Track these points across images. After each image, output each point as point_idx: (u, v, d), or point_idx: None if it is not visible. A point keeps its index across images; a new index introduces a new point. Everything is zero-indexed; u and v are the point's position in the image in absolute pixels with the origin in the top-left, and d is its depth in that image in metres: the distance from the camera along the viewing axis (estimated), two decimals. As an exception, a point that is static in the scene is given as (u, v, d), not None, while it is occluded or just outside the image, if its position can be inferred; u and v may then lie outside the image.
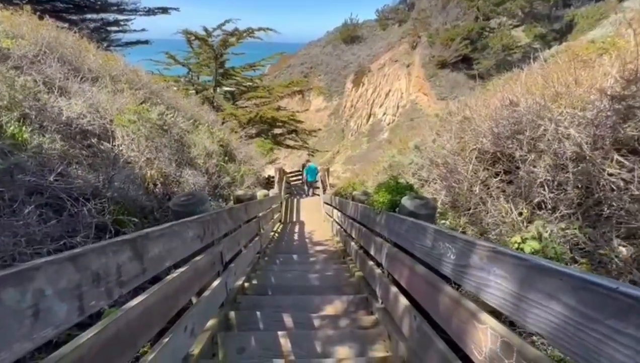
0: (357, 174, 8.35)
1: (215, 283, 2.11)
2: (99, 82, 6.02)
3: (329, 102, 42.35)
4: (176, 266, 1.53)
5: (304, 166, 13.94)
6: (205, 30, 12.00)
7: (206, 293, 1.93)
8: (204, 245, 1.82)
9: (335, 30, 47.24)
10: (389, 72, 39.37)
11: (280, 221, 8.35)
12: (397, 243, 2.01)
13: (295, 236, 6.43)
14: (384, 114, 38.19)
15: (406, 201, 2.10)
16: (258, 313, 2.37)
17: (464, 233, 2.37)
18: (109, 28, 18.81)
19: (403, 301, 1.85)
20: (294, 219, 9.08)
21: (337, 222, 5.59)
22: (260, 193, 6.08)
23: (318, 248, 5.25)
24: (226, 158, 7.91)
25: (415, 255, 1.66)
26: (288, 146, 14.90)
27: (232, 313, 2.34)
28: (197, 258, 1.75)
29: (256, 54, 16.82)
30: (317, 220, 8.66)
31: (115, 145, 4.66)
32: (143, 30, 20.28)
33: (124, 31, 19.88)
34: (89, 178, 3.32)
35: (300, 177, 14.55)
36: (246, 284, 3.03)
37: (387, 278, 2.31)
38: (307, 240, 5.98)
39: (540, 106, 2.38)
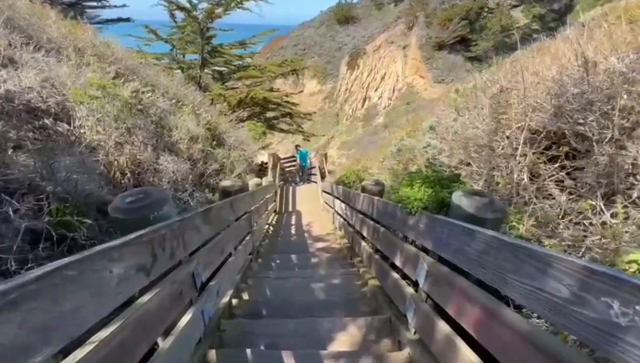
0: (358, 160, 7.67)
1: (186, 318, 1.44)
2: (61, 54, 5.14)
3: (323, 85, 41.29)
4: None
5: (297, 149, 12.97)
6: (189, 1, 10.88)
7: (167, 341, 1.26)
8: (157, 275, 1.14)
9: (329, 10, 45.64)
10: (384, 54, 38.31)
11: (275, 211, 7.68)
12: (453, 262, 1.35)
13: (292, 230, 5.77)
14: (380, 98, 37.40)
15: (461, 199, 1.43)
16: (248, 351, 1.72)
17: (539, 243, 1.73)
18: (86, 3, 17.43)
19: (467, 354, 1.21)
20: (290, 209, 8.40)
21: (339, 214, 4.94)
22: (252, 182, 5.38)
23: (319, 245, 4.60)
24: (214, 143, 7.15)
25: (506, 293, 1.00)
26: (282, 130, 14.00)
27: (211, 354, 1.69)
28: (144, 299, 1.06)
29: (246, 35, 15.65)
30: (315, 210, 8.01)
31: (75, 127, 3.88)
32: (124, 6, 18.87)
33: (103, 7, 18.48)
34: (29, 167, 2.59)
35: (295, 163, 13.80)
36: (234, 300, 2.38)
37: (426, 304, 1.66)
38: (306, 235, 5.32)
39: None
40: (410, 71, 36.48)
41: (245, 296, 2.56)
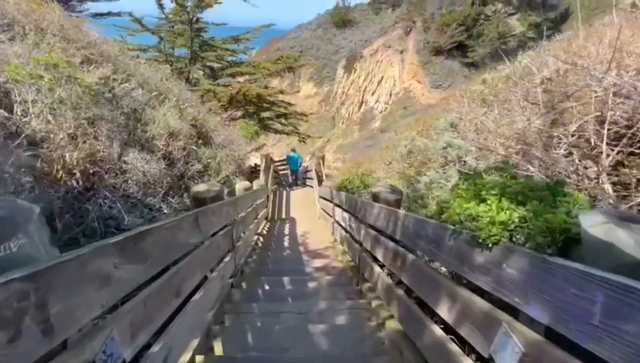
0: (359, 164, 6.98)
1: None
2: (15, 32, 4.38)
3: (319, 88, 40.87)
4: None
5: (292, 152, 12.54)
6: (177, -12, 10.11)
7: None
8: None
9: (326, 13, 45.34)
10: (382, 58, 38.08)
11: (266, 218, 6.93)
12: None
13: (286, 242, 5.00)
14: (377, 102, 37.10)
15: (611, 230, 0.73)
16: None
17: None
18: (73, -6, 16.65)
19: None
20: (284, 216, 7.66)
21: (340, 225, 4.23)
22: (240, 185, 4.64)
23: (317, 262, 3.85)
24: (199, 141, 6.40)
25: None
26: (277, 131, 13.20)
27: None
28: None
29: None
30: (311, 217, 7.28)
31: (17, 114, 3.13)
32: (114, -2, 18.12)
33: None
34: None
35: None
36: (199, 358, 1.64)
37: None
38: (301, 248, 4.56)
39: None
40: (407, 75, 36.31)
41: (218, 348, 1.82)
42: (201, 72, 11.45)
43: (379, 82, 37.44)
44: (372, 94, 37.15)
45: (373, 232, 2.51)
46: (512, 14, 35.78)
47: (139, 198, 3.50)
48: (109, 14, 18.03)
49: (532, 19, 34.62)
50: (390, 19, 40.01)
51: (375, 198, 2.58)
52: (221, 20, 13.19)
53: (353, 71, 38.39)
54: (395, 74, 36.57)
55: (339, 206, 4.21)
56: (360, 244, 2.96)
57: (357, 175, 4.44)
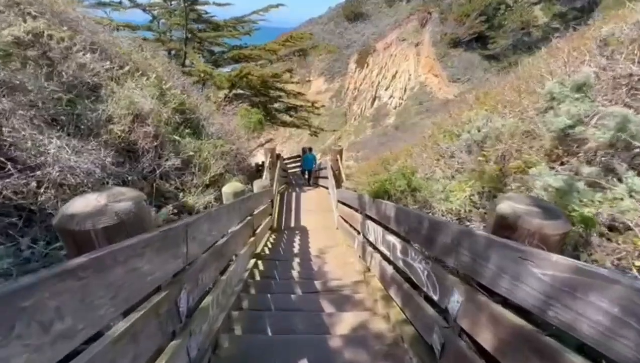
0: (387, 161, 5.47)
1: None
2: None
3: (331, 83, 39.43)
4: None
5: (305, 151, 11.38)
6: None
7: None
8: None
9: (337, 6, 44.02)
10: (395, 52, 36.41)
11: (270, 227, 5.48)
12: None
13: (295, 270, 3.41)
14: (390, 97, 35.46)
15: None
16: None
17: None
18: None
19: None
20: (292, 225, 6.18)
21: (380, 251, 2.73)
22: (228, 188, 3.19)
23: (347, 320, 2.20)
24: (187, 130, 4.98)
25: None
26: (285, 124, 11.62)
27: None
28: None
29: (251, 40, 12.62)
30: (328, 226, 5.81)
31: None
32: (114, -13, 16.98)
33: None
34: None
35: (300, 164, 11.89)
36: None
37: None
38: (317, 284, 2.91)
39: None
40: (423, 69, 34.56)
41: None
42: (200, 57, 10.06)
43: (393, 76, 35.79)
44: (386, 89, 35.50)
45: (512, 320, 1.00)
46: (535, 3, 33.74)
47: (48, 211, 2.08)
48: (110, 3, 16.88)
49: (556, 8, 32.56)
50: (405, 10, 38.31)
51: (504, 226, 1.07)
52: (226, 11, 11.64)
53: (365, 65, 36.75)
54: (410, 68, 34.87)
55: (379, 224, 2.69)
56: (444, 313, 1.45)
57: (400, 172, 2.96)
